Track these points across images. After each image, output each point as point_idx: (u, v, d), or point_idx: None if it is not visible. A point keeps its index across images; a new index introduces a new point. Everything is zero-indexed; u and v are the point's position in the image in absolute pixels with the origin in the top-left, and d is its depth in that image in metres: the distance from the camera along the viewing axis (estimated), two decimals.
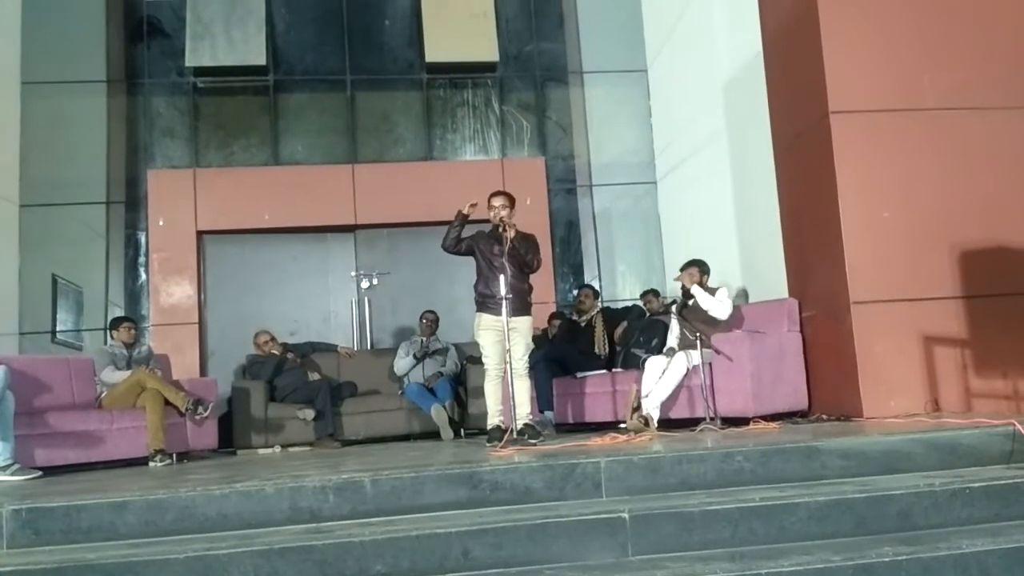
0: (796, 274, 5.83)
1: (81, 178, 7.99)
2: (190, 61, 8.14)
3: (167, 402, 5.86)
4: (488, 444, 4.92)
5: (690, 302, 5.82)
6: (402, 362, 7.28)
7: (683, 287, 5.80)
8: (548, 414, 6.42)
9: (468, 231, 5.26)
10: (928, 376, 5.07)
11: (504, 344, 4.94)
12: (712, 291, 5.70)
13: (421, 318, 7.56)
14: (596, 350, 6.78)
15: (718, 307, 5.56)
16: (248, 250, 8.26)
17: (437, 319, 7.56)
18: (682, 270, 5.85)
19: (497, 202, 5.18)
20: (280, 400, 6.97)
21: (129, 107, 8.28)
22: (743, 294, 6.53)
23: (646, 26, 8.79)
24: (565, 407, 6.46)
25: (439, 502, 3.32)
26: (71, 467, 5.38)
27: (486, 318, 5.12)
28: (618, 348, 6.71)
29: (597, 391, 6.21)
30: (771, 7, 6.07)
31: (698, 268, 5.81)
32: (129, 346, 6.31)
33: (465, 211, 5.12)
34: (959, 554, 2.85)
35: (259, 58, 8.20)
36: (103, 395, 5.98)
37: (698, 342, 5.29)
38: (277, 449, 6.82)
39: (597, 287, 8.41)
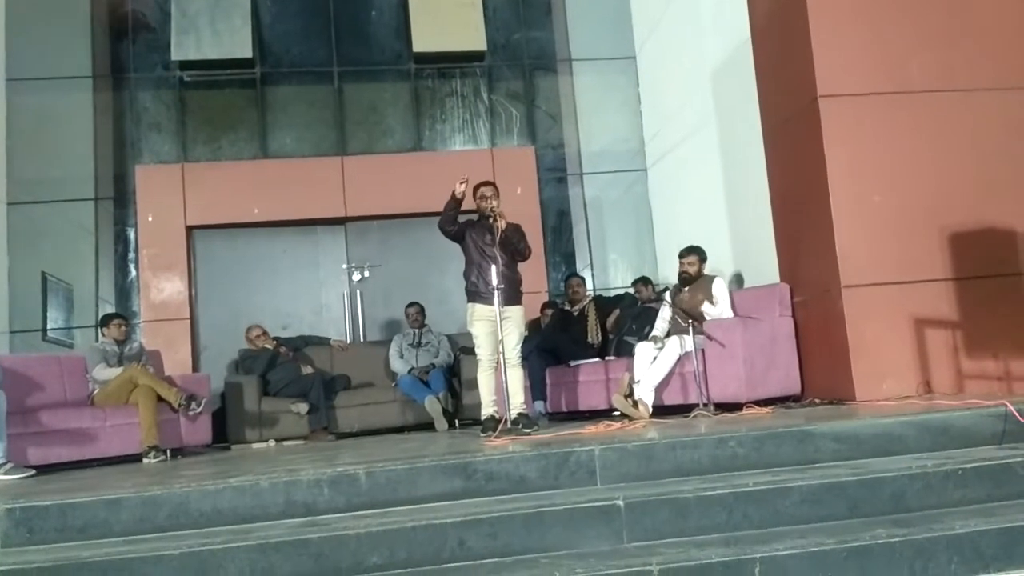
0: (787, 259, 5.84)
1: (69, 175, 7.95)
2: (176, 55, 8.07)
3: (160, 398, 5.85)
4: (482, 434, 4.92)
5: (685, 289, 5.84)
6: (397, 363, 7.29)
7: (682, 281, 5.84)
8: (538, 405, 6.43)
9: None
10: (920, 358, 5.08)
11: (497, 334, 4.94)
12: (710, 280, 5.75)
13: (406, 312, 7.56)
14: (589, 339, 6.80)
15: (725, 314, 5.61)
16: (238, 244, 8.23)
17: (422, 309, 7.55)
18: (681, 257, 5.88)
19: (488, 191, 5.17)
20: (273, 394, 6.96)
21: (115, 102, 8.22)
22: (735, 280, 6.54)
23: (634, 13, 8.77)
24: (558, 396, 6.47)
25: (434, 493, 3.32)
26: (64, 465, 5.38)
27: (479, 308, 5.12)
28: (611, 336, 6.72)
29: (590, 379, 6.22)
30: None
31: (697, 256, 5.85)
32: (120, 343, 6.28)
33: (458, 194, 5.01)
34: (952, 535, 2.86)
35: (245, 51, 8.13)
36: (95, 392, 5.96)
37: (690, 328, 5.30)
38: (271, 443, 6.81)
39: (589, 276, 8.44)
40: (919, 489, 3.17)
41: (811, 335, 5.56)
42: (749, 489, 3.12)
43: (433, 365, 7.18)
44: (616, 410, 5.42)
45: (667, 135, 8.07)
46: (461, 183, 4.96)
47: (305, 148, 8.43)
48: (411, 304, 7.58)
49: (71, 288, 7.91)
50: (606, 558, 2.86)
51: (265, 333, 7.28)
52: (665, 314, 5.88)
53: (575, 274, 7.71)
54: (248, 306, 7.95)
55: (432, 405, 6.76)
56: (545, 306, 7.49)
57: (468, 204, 5.19)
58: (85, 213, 7.99)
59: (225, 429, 6.86)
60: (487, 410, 5.11)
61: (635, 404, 5.25)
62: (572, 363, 6.43)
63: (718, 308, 5.64)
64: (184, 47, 8.06)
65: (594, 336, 6.80)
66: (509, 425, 4.85)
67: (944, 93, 5.32)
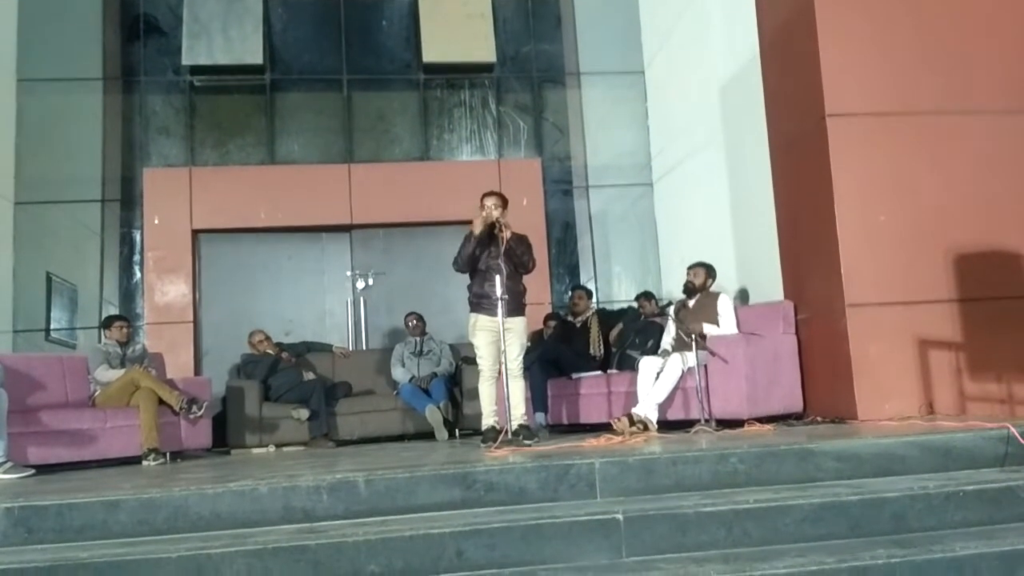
0: (792, 276, 5.84)
1: (76, 176, 7.98)
2: (186, 59, 8.12)
3: (161, 401, 5.85)
4: (482, 445, 4.91)
5: (690, 303, 5.84)
6: (399, 371, 7.29)
7: (686, 291, 5.84)
8: (539, 416, 6.42)
9: (457, 230, 5.16)
10: (923, 379, 5.07)
11: (499, 345, 4.92)
12: (715, 296, 5.77)
13: (406, 322, 7.55)
14: (591, 351, 6.79)
15: (728, 331, 5.61)
16: (243, 249, 8.25)
17: (422, 318, 7.54)
18: (689, 269, 5.92)
19: (490, 202, 5.14)
20: (274, 400, 6.95)
21: (125, 105, 8.26)
22: (739, 295, 6.54)
23: (643, 28, 8.81)
24: (560, 408, 6.46)
25: (433, 502, 3.31)
26: (64, 465, 5.38)
27: (482, 319, 5.11)
28: (613, 350, 6.72)
29: (592, 392, 6.21)
30: (768, 10, 6.08)
31: (705, 270, 5.89)
32: (123, 345, 6.29)
33: (476, 232, 5.02)
34: (953, 557, 2.85)
35: (256, 57, 8.18)
36: (96, 394, 5.96)
37: (694, 344, 5.29)
38: (271, 449, 6.80)
39: (593, 288, 8.43)
40: (920, 510, 3.16)
41: (814, 353, 5.55)
42: (749, 506, 3.11)
43: (435, 374, 7.18)
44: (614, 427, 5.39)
45: (674, 150, 8.09)
46: (486, 213, 4.96)
47: (312, 155, 8.46)
48: (410, 313, 7.57)
49: (75, 289, 7.93)
50: (604, 572, 2.86)
51: (268, 338, 7.29)
52: (671, 329, 5.88)
53: (579, 286, 7.71)
54: (251, 311, 7.96)
55: (432, 414, 6.75)
56: (548, 318, 7.48)
57: (474, 214, 5.19)
58: (91, 214, 8.02)
59: (225, 433, 6.85)
60: (488, 420, 5.10)
61: (633, 421, 5.19)
62: (574, 375, 6.42)
63: (721, 328, 5.63)
64: (195, 52, 8.11)
65: (596, 349, 6.79)
66: (509, 436, 4.84)
67: (951, 115, 5.33)
